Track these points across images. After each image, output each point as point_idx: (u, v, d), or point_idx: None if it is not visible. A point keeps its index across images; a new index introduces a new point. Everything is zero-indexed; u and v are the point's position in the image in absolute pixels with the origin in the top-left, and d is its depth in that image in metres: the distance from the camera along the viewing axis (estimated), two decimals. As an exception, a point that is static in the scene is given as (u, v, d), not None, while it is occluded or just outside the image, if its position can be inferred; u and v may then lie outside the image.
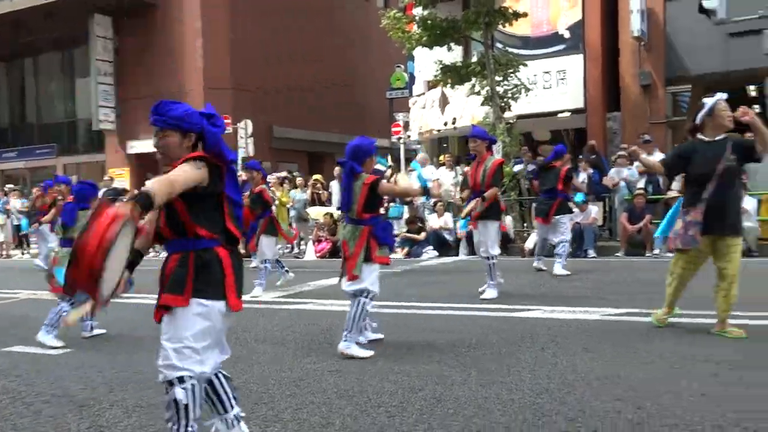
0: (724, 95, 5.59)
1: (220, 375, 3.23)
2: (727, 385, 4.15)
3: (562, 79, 19.15)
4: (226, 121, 18.60)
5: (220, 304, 3.05)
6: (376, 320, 6.12)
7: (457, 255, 14.35)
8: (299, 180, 17.96)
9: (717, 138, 5.55)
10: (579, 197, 12.83)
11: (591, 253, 13.10)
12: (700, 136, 5.65)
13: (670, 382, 4.26)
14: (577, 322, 6.39)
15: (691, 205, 5.53)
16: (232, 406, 3.27)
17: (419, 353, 5.40)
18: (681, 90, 18.77)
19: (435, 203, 15.28)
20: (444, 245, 14.69)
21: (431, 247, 14.55)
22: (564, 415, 3.71)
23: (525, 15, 17.03)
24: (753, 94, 19.86)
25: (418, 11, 17.51)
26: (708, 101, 5.61)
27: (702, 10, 14.43)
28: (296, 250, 16.42)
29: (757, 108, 18.49)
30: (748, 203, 12.41)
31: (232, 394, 3.27)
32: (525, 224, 15.02)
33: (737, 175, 5.59)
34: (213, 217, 3.07)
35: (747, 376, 4.33)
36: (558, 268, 9.99)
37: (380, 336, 5.93)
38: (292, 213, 16.14)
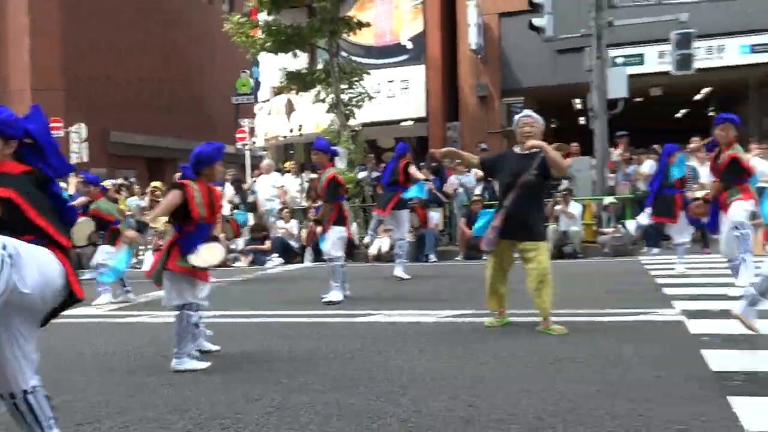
0: (528, 111, 6.07)
1: (38, 394, 2.99)
2: (551, 379, 4.39)
3: (405, 88, 19.69)
4: (57, 124, 17.49)
5: (58, 269, 2.87)
6: (212, 330, 5.95)
7: (302, 262, 14.30)
8: (136, 187, 17.19)
9: (528, 152, 5.93)
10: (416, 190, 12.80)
11: (432, 257, 13.50)
12: (515, 147, 6.06)
13: (501, 379, 4.44)
14: (416, 325, 6.53)
15: (498, 211, 5.96)
16: (50, 427, 3.04)
17: (258, 362, 5.30)
18: (515, 102, 19.86)
19: (281, 209, 15.15)
20: (289, 252, 14.58)
21: (276, 255, 14.40)
22: (398, 416, 3.76)
23: (368, 25, 17.35)
24: (578, 107, 21.39)
25: (262, 16, 17.35)
26: (516, 117, 6.07)
27: (532, 27, 15.31)
28: (134, 260, 15.65)
29: (582, 120, 19.93)
30: (574, 208, 13.32)
31: (50, 415, 3.04)
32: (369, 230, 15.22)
33: (539, 189, 5.97)
34: (30, 229, 2.88)
35: (567, 370, 4.61)
36: (398, 270, 10.18)
37: (216, 348, 5.72)
38: (130, 221, 15.38)
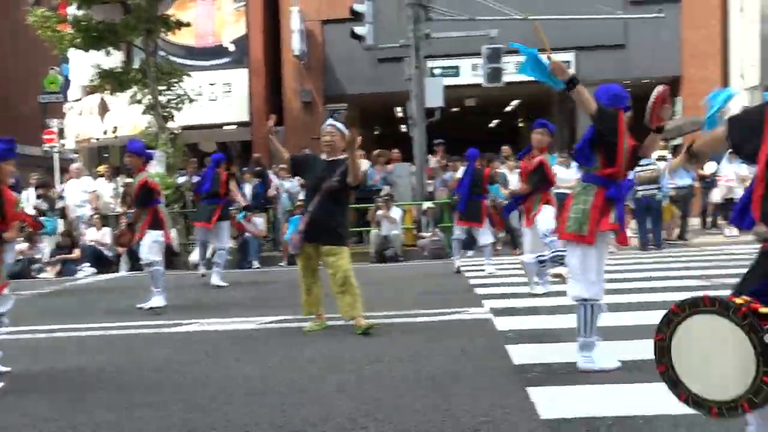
0: (331, 121, 6.30)
1: None
2: (365, 380, 4.45)
3: (228, 91, 19.32)
4: None
5: None
6: (13, 348, 5.46)
7: (117, 271, 13.56)
8: None
9: (333, 158, 6.11)
10: (240, 215, 12.87)
11: (255, 264, 13.33)
12: (323, 153, 6.18)
13: (316, 382, 4.44)
14: (235, 333, 6.40)
15: (303, 214, 6.11)
16: None
17: (61, 379, 4.93)
18: (339, 108, 20.05)
19: (92, 215, 14.28)
20: (102, 261, 13.76)
21: (88, 264, 13.54)
22: (209, 426, 3.65)
23: (188, 25, 16.83)
24: (400, 115, 22.06)
25: (72, 10, 16.28)
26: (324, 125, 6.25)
27: (354, 35, 15.57)
28: None
29: (404, 128, 20.55)
30: (395, 213, 13.70)
31: None
32: (190, 236, 14.73)
33: (343, 195, 6.13)
34: None
35: (381, 370, 4.70)
36: (216, 279, 9.98)
37: (6, 369, 5.18)
38: None
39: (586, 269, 4.30)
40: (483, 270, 9.97)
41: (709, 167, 14.17)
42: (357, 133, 5.94)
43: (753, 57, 17.10)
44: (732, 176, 13.53)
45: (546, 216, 7.39)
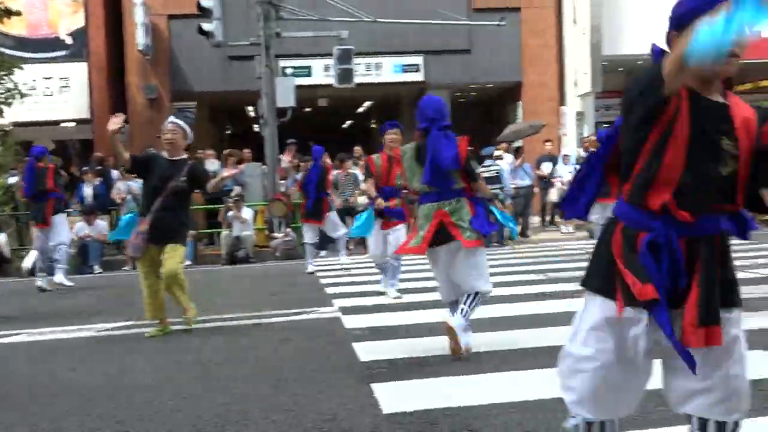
0: (172, 118, 6.23)
1: None
2: (210, 385, 4.33)
3: (65, 86, 18.19)
4: None
5: None
6: None
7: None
8: None
9: (177, 158, 6.00)
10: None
11: (97, 268, 12.64)
12: (164, 152, 6.01)
13: (158, 390, 4.26)
14: (71, 341, 6.04)
15: (143, 215, 5.91)
16: None
17: None
18: (187, 106, 19.43)
19: None
20: None
21: None
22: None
23: (18, 14, 15.68)
24: (252, 114, 21.73)
25: None
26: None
27: (201, 31, 15.11)
28: None
29: (256, 127, 20.26)
30: (246, 213, 13.45)
31: None
32: (24, 242, 13.75)
33: (186, 195, 6.08)
34: None
35: (227, 372, 4.60)
36: (60, 277, 9.40)
37: None
38: None
39: (485, 267, 4.70)
40: (338, 260, 10.07)
41: (545, 168, 15.06)
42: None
43: (585, 66, 18.32)
44: (567, 177, 14.42)
45: (402, 236, 6.81)
